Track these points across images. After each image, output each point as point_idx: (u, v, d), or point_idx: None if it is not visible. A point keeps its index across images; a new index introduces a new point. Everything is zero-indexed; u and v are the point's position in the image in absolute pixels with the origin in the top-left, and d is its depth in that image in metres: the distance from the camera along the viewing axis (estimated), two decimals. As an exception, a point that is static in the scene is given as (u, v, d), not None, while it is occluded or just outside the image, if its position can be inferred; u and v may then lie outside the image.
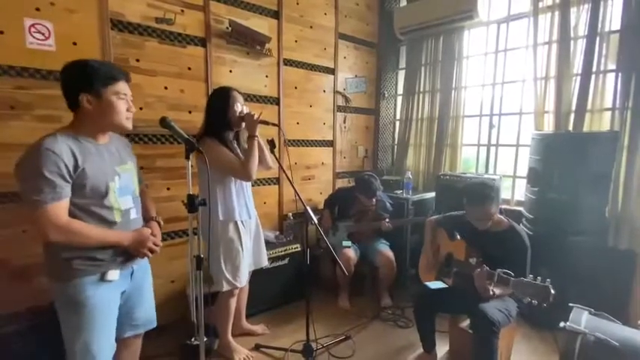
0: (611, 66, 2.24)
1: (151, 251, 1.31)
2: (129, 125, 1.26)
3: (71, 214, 1.15)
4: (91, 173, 1.16)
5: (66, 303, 1.18)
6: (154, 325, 1.45)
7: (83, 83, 1.16)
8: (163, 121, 1.36)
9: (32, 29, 1.73)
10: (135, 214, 1.32)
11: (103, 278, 1.20)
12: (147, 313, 1.43)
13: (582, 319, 1.35)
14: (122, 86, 1.22)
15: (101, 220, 1.20)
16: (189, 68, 2.30)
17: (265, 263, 2.15)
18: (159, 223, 1.45)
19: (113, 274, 1.23)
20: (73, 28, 1.86)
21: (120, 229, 1.25)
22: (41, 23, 1.76)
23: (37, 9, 1.75)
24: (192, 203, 1.34)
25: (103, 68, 1.19)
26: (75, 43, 1.87)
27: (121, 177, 1.27)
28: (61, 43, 1.82)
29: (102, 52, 1.95)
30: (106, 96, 1.18)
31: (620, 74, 2.19)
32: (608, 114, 2.26)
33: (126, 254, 1.28)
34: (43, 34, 1.76)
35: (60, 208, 1.10)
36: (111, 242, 1.21)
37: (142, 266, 1.40)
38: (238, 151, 1.87)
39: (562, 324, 1.34)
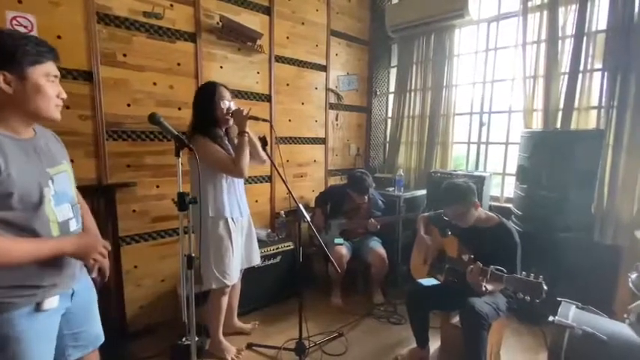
0: (598, 65, 2.29)
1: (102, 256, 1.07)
2: (57, 115, 1.03)
3: None
4: (19, 179, 0.92)
5: None
6: (102, 340, 1.27)
7: (2, 59, 0.91)
8: (152, 118, 1.34)
9: (14, 22, 1.67)
10: (75, 225, 1.09)
11: (38, 308, 0.98)
12: (94, 331, 1.24)
13: (570, 313, 1.38)
14: (52, 66, 1.00)
15: (35, 236, 0.97)
16: (179, 64, 2.26)
17: (257, 261, 2.13)
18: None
19: (51, 302, 1.01)
20: (57, 21, 1.81)
21: None
22: (23, 16, 1.70)
23: (20, 1, 1.69)
24: (182, 201, 1.33)
25: (29, 43, 0.94)
26: (59, 37, 1.82)
27: (55, 181, 1.02)
28: (44, 36, 1.72)
29: (87, 46, 1.90)
30: (34, 77, 0.94)
31: (606, 73, 2.23)
32: (595, 112, 2.31)
33: (70, 276, 1.07)
34: (25, 27, 1.70)
35: None
36: (49, 254, 0.96)
37: (84, 284, 1.18)
38: (229, 147, 1.85)
39: (550, 318, 1.36)
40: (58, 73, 1.03)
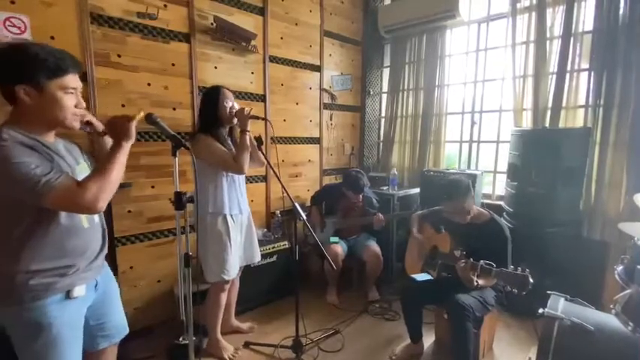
0: (585, 65, 2.35)
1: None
2: (75, 124, 1.09)
3: (33, 221, 1.00)
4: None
5: (25, 329, 1.01)
6: (127, 331, 1.35)
7: (21, 73, 0.97)
8: (149, 118, 1.32)
9: (7, 22, 1.66)
10: (97, 218, 1.20)
11: (69, 296, 1.06)
12: (119, 321, 1.33)
13: (559, 305, 1.42)
14: (71, 79, 1.04)
15: (70, 227, 1.07)
16: (173, 64, 2.26)
17: (258, 259, 2.16)
18: None
19: (80, 290, 1.09)
20: (51, 22, 1.80)
21: (89, 234, 1.13)
22: (17, 16, 1.69)
23: (12, 2, 1.68)
24: (179, 200, 1.33)
25: (49, 57, 0.99)
26: (53, 37, 1.81)
27: (79, 177, 1.11)
28: (37, 37, 1.75)
29: (81, 46, 1.90)
30: (50, 90, 1.00)
31: (592, 73, 2.29)
32: (582, 111, 2.37)
33: (96, 267, 1.17)
34: (18, 27, 1.70)
35: (69, 178, 0.99)
36: (122, 153, 1.07)
37: (105, 275, 1.27)
38: (232, 147, 1.92)
39: (540, 310, 1.40)
40: (77, 84, 1.07)
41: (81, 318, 1.14)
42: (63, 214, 1.05)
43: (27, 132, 1.01)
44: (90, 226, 1.14)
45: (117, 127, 1.10)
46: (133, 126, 1.10)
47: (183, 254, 1.37)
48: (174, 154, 1.32)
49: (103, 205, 1.01)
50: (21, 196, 0.95)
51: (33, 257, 1.00)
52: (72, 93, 1.05)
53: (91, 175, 1.02)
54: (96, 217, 1.18)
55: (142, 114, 1.15)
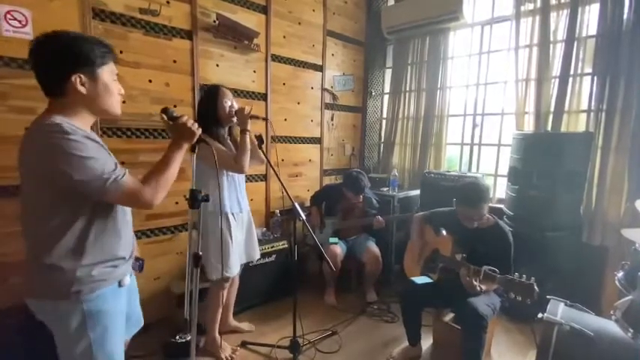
0: (588, 69, 2.34)
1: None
2: (120, 110, 1.10)
3: (91, 216, 1.01)
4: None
5: (83, 319, 1.01)
6: (142, 323, 1.36)
7: (77, 61, 0.95)
8: (166, 112, 1.23)
9: (8, 16, 1.65)
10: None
11: (121, 284, 1.11)
12: (138, 314, 1.34)
13: (558, 311, 1.41)
14: (114, 66, 1.06)
15: (122, 220, 1.10)
16: (175, 61, 2.25)
17: (257, 256, 2.15)
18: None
19: (127, 279, 1.16)
20: (52, 16, 1.79)
21: (130, 226, 1.18)
22: (18, 10, 1.68)
23: (14, -5, 1.68)
24: (195, 199, 1.24)
25: (98, 44, 0.99)
26: (54, 32, 1.80)
27: None
28: (38, 31, 1.68)
29: (83, 42, 1.89)
30: (103, 77, 1.00)
31: (595, 78, 2.28)
32: (584, 115, 2.36)
33: (132, 257, 1.20)
34: (19, 21, 1.69)
35: (130, 176, 1.02)
36: (180, 154, 1.13)
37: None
38: (231, 146, 1.92)
39: (539, 315, 1.39)
40: (117, 71, 1.08)
41: (125, 305, 1.18)
42: (119, 209, 1.07)
43: (77, 125, 0.98)
44: (129, 218, 1.18)
45: (180, 129, 1.14)
46: (196, 131, 1.16)
47: (193, 254, 1.31)
48: (193, 150, 1.25)
49: (159, 201, 1.06)
50: (86, 190, 0.94)
51: (94, 251, 1.02)
52: (116, 80, 1.07)
53: (152, 174, 1.05)
54: (127, 210, 1.20)
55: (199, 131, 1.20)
